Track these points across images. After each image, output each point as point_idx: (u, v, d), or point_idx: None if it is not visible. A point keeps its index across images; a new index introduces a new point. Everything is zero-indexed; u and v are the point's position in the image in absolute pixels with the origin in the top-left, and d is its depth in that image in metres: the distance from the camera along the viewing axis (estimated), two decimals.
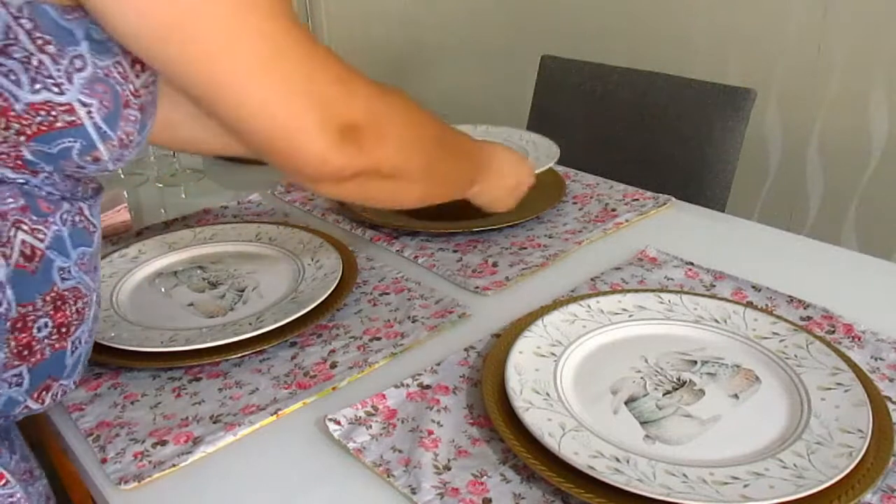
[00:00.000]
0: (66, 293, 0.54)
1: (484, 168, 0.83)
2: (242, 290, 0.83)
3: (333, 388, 0.67)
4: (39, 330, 0.52)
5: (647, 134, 1.33)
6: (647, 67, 1.36)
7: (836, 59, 1.53)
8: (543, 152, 1.05)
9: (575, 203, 1.03)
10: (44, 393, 0.55)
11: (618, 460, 0.54)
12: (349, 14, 2.75)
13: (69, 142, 0.49)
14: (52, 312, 0.53)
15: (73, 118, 0.48)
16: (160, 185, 1.21)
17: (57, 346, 0.54)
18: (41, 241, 0.51)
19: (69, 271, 0.54)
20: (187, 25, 0.48)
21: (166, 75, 0.52)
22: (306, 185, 0.61)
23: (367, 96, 0.59)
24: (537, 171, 0.95)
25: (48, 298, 0.52)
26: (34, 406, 0.54)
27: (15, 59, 0.45)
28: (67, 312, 0.54)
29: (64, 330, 0.54)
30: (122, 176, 1.24)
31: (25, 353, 0.52)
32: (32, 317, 0.51)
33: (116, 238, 0.99)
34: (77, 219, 0.55)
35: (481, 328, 0.75)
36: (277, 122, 0.54)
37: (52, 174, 0.51)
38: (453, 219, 0.93)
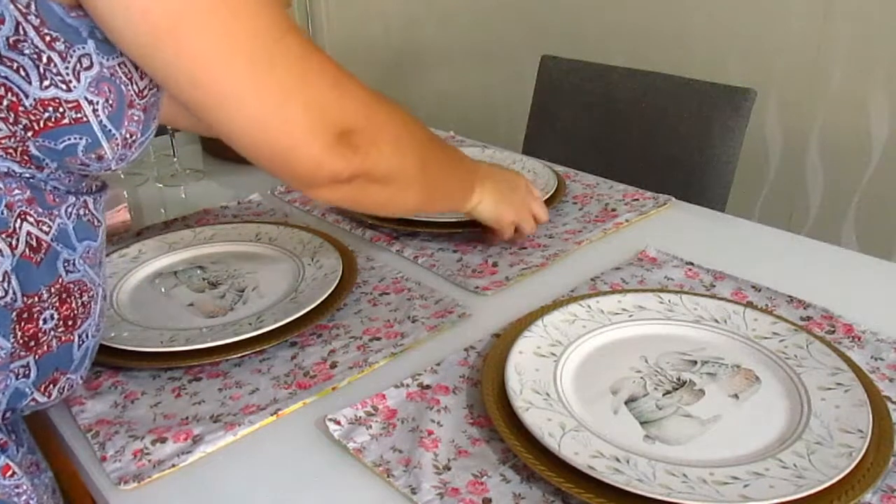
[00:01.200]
0: (70, 286, 0.54)
1: (481, 179, 0.82)
2: (242, 290, 0.83)
3: (333, 388, 0.67)
4: (45, 322, 0.53)
5: (647, 134, 1.33)
6: (647, 67, 1.36)
7: (836, 59, 1.53)
8: (540, 185, 1.04)
9: (575, 203, 1.03)
10: (51, 386, 0.55)
11: (618, 460, 0.54)
12: (349, 14, 2.75)
13: (75, 138, 0.50)
14: (57, 304, 0.53)
15: (80, 115, 0.49)
16: (160, 185, 1.21)
17: (64, 338, 0.55)
18: (46, 233, 0.52)
19: (74, 264, 0.55)
20: (180, 31, 0.48)
21: (160, 80, 0.52)
22: (302, 190, 0.61)
23: (362, 100, 0.60)
24: None
25: (53, 290, 0.53)
26: (41, 399, 0.55)
27: (25, 55, 0.46)
28: (73, 305, 0.55)
29: (70, 323, 0.55)
30: (122, 176, 1.24)
31: (32, 343, 0.52)
32: (38, 308, 0.52)
33: (116, 238, 0.99)
34: (82, 212, 0.55)
35: (481, 328, 0.75)
36: (271, 127, 0.54)
37: (57, 170, 0.52)
38: (453, 219, 0.93)
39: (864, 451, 0.53)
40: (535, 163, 1.12)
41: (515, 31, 2.16)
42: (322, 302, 0.76)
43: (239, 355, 0.70)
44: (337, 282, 0.79)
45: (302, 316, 0.74)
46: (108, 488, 0.57)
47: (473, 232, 0.93)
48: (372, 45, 2.66)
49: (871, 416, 0.56)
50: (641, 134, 1.34)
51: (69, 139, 0.49)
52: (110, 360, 0.69)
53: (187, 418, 0.63)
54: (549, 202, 0.99)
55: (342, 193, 0.62)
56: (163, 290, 0.84)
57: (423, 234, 0.94)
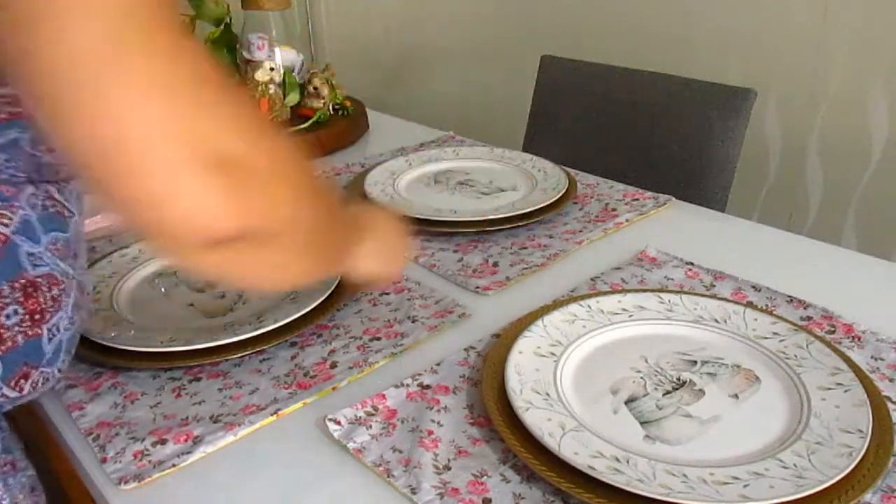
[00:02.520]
0: (38, 280, 0.53)
1: (363, 229, 0.67)
2: (242, 290, 0.83)
3: (333, 388, 0.67)
4: (8, 317, 0.51)
5: (647, 134, 1.33)
6: (647, 67, 1.36)
7: (836, 59, 1.53)
8: (551, 184, 1.04)
9: (575, 203, 1.03)
10: (22, 381, 0.54)
11: (618, 460, 0.54)
12: (349, 14, 2.75)
13: (16, 132, 0.48)
14: (21, 299, 0.52)
15: (18, 109, 0.47)
16: None
17: (30, 332, 0.53)
18: (6, 225, 0.51)
19: (40, 257, 0.53)
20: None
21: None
22: (168, 253, 0.46)
23: (242, 132, 0.47)
24: (540, 205, 0.94)
25: (17, 285, 0.52)
26: (12, 394, 0.54)
27: None
28: (41, 299, 0.53)
29: (38, 317, 0.53)
30: None
31: None
32: (0, 304, 0.51)
33: (116, 238, 0.99)
34: (47, 203, 0.54)
35: (481, 328, 0.75)
36: (125, 159, 0.40)
37: (10, 160, 0.50)
38: (453, 219, 0.93)
39: (864, 451, 0.53)
40: (545, 163, 1.12)
41: (515, 31, 2.16)
42: (322, 302, 0.76)
43: (239, 355, 0.70)
44: (337, 282, 0.79)
45: (302, 316, 0.74)
46: (108, 488, 0.57)
47: (474, 232, 0.93)
48: (372, 45, 2.66)
49: (871, 416, 0.56)
50: (641, 134, 1.34)
51: (11, 134, 0.48)
52: (110, 360, 0.69)
53: (187, 418, 0.63)
54: (559, 202, 0.99)
55: (216, 256, 0.45)
56: (163, 290, 0.84)
57: (423, 234, 0.94)
